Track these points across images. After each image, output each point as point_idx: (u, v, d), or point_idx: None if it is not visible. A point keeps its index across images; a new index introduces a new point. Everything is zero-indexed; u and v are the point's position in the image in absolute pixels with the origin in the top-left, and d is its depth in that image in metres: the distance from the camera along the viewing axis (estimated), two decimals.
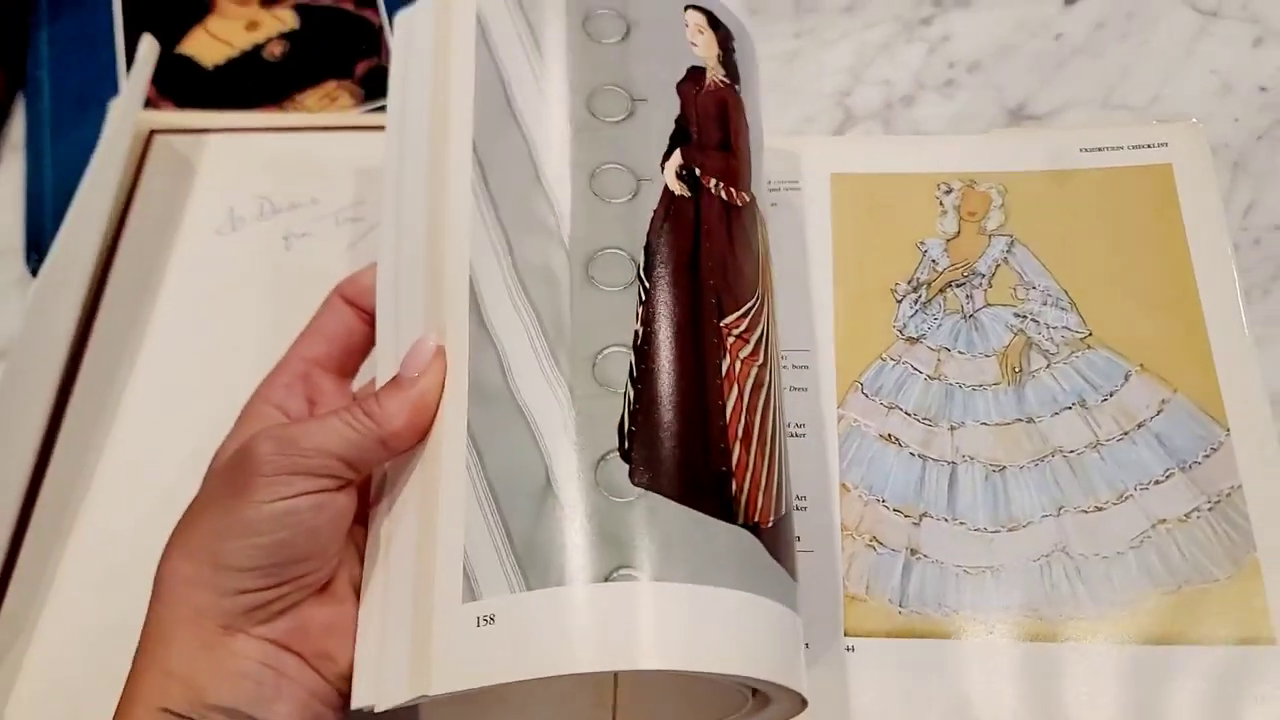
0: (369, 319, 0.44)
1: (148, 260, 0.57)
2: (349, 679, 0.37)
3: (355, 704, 0.37)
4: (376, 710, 0.36)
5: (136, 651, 0.36)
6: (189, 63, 0.65)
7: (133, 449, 0.51)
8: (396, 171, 0.44)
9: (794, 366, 0.50)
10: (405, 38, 0.45)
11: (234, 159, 0.59)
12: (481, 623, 0.34)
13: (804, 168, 0.56)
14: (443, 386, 0.39)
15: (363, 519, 0.40)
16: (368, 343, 0.44)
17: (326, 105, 0.62)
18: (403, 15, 0.46)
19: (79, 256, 0.54)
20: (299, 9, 0.66)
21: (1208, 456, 0.47)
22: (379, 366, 0.41)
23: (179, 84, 0.64)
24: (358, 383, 0.45)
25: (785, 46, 0.63)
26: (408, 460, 0.39)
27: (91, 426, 0.52)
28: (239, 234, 0.57)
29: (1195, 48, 0.60)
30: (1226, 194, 0.56)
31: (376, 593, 0.38)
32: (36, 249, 0.59)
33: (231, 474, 0.37)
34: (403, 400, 0.38)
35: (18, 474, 0.50)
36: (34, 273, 0.59)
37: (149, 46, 0.58)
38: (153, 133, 0.59)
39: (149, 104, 0.62)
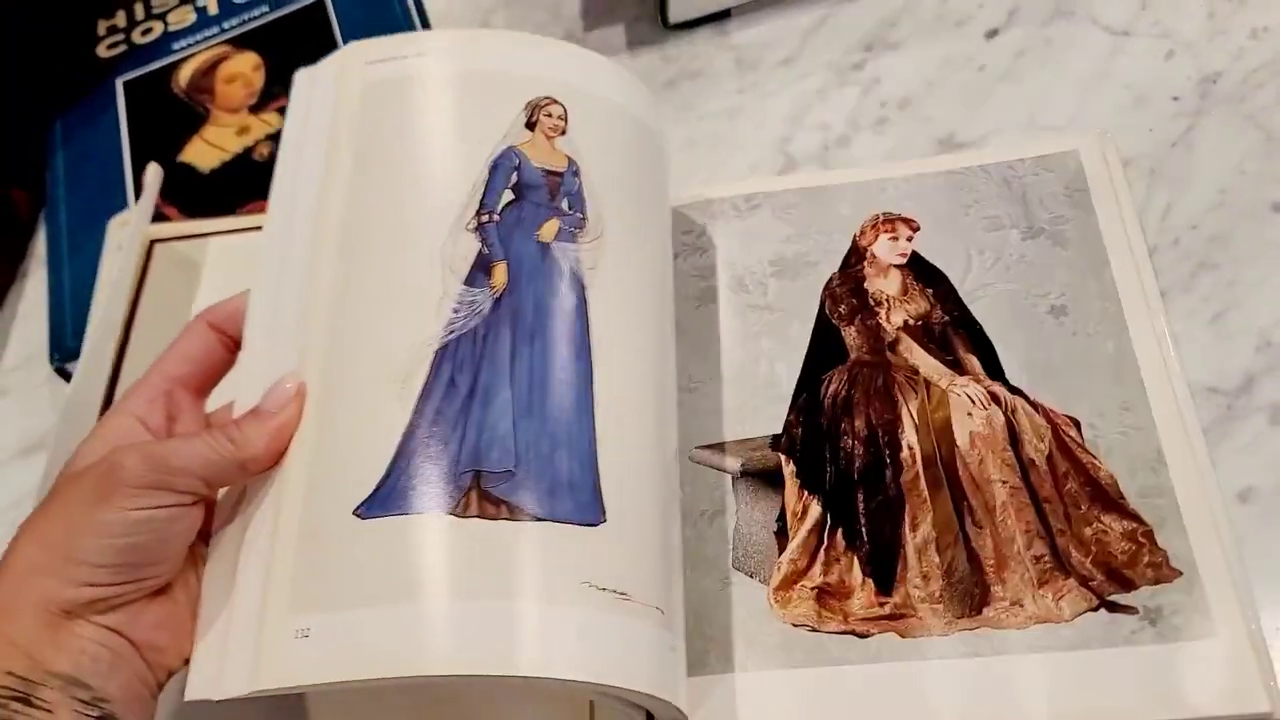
0: (231, 344, 0.48)
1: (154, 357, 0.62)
2: (170, 668, 0.42)
3: (190, 696, 0.42)
4: (214, 700, 0.41)
5: None
6: (189, 169, 0.71)
7: None
8: (286, 215, 0.50)
9: None
10: (306, 92, 0.53)
11: (230, 259, 0.64)
12: (299, 635, 0.40)
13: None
14: (299, 422, 0.44)
15: (204, 532, 0.45)
16: (226, 366, 0.49)
17: None
18: (303, 73, 0.54)
19: (99, 365, 0.59)
20: (282, 111, 0.72)
21: None
22: (242, 389, 0.46)
23: (180, 189, 0.70)
24: (213, 402, 0.49)
25: (728, 103, 0.68)
26: (262, 482, 0.44)
27: None
28: None
29: (1109, 67, 0.64)
30: (1145, 199, 0.59)
31: (219, 599, 0.43)
32: (58, 350, 0.65)
33: (96, 479, 0.41)
34: (262, 429, 0.43)
35: None
36: (57, 371, 0.65)
37: (154, 173, 0.63)
38: (153, 242, 0.64)
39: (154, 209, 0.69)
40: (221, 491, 0.45)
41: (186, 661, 0.43)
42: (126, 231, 0.62)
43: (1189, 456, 0.49)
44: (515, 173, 0.50)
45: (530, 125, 0.50)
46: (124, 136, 0.73)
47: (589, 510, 0.43)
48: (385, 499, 0.42)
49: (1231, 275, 0.56)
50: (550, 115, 0.51)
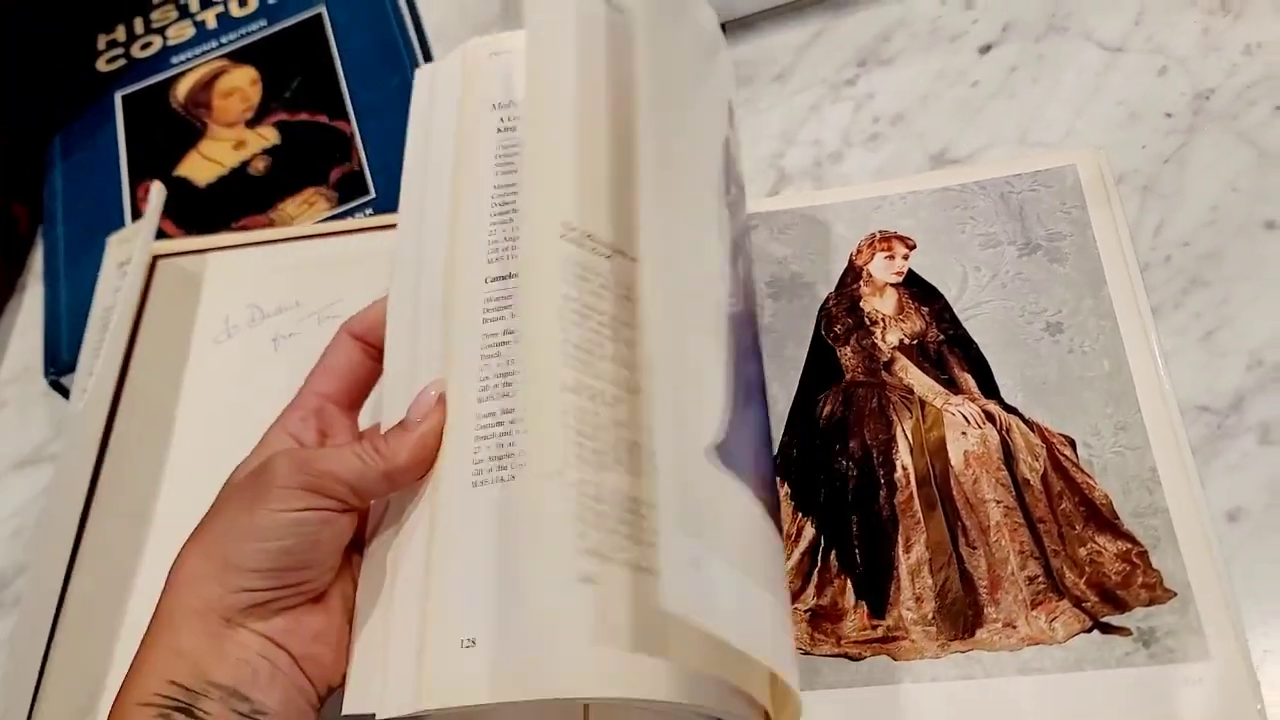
0: (375, 353, 0.48)
1: (156, 372, 0.61)
2: (330, 683, 0.42)
3: (349, 710, 0.42)
4: (379, 717, 0.41)
5: (145, 635, 0.41)
6: (185, 183, 0.71)
7: (155, 553, 0.56)
8: (417, 218, 0.49)
9: None
10: (429, 89, 0.52)
11: (227, 274, 0.65)
12: (465, 645, 0.40)
13: None
14: (442, 431, 0.44)
15: (359, 544, 0.45)
16: (373, 375, 0.49)
17: (305, 210, 0.68)
18: (424, 70, 0.52)
19: (106, 381, 0.59)
20: (279, 125, 0.72)
21: None
22: (388, 401, 0.46)
23: (176, 203, 0.70)
24: (365, 415, 0.50)
25: None
26: (413, 494, 0.44)
27: (114, 530, 0.56)
28: (234, 341, 0.62)
29: (1103, 82, 0.64)
30: (1138, 216, 0.59)
31: (377, 612, 0.43)
32: (53, 364, 0.65)
33: (250, 485, 0.42)
34: (405, 441, 0.44)
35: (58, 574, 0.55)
36: (52, 384, 0.65)
37: (158, 192, 0.64)
38: (156, 258, 0.65)
39: None
40: (373, 502, 0.46)
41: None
42: (130, 249, 0.62)
43: (1183, 476, 0.49)
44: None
45: None
46: (122, 151, 0.73)
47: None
48: None
49: (1223, 293, 0.56)
50: None
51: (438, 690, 0.40)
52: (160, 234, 0.69)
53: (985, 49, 0.67)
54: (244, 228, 0.68)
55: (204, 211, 0.70)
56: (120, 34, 0.78)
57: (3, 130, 0.73)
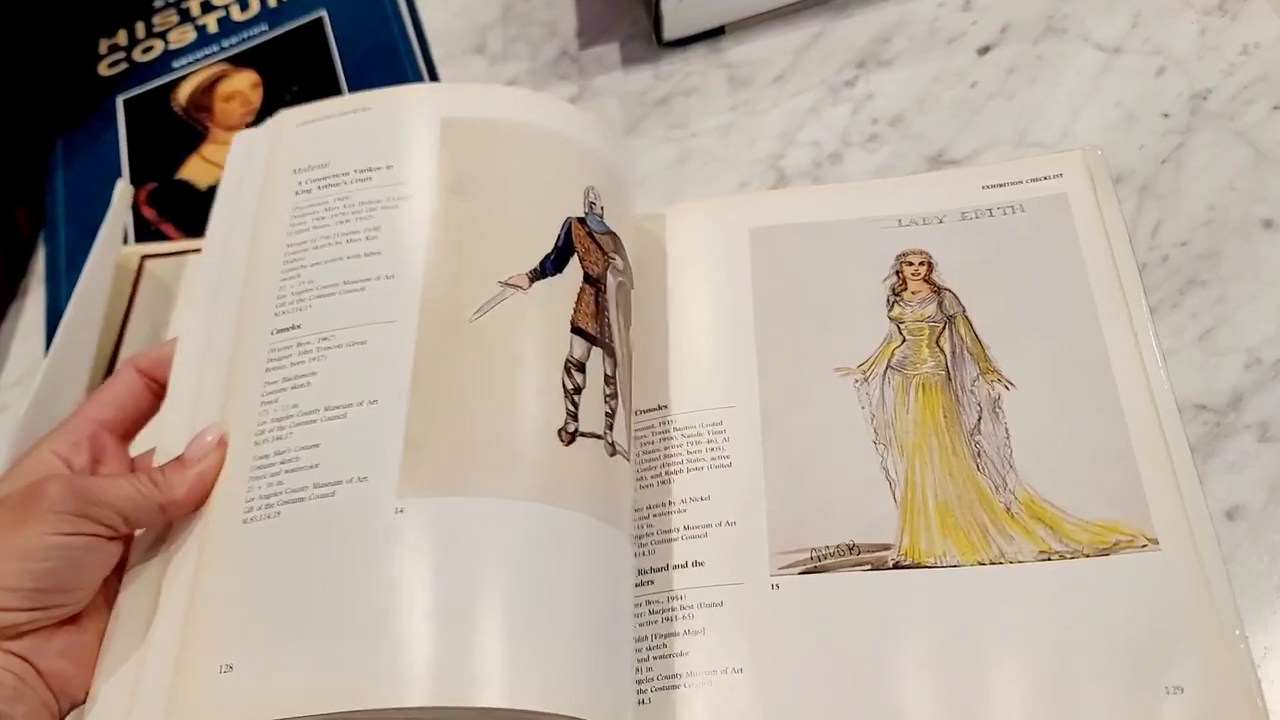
0: (158, 390, 0.50)
1: None
2: (74, 699, 0.43)
3: None
4: None
5: None
6: (186, 186, 0.71)
7: None
8: (217, 268, 0.52)
9: None
10: (245, 152, 0.56)
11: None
12: (222, 670, 0.41)
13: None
14: (219, 470, 0.46)
15: (118, 568, 0.46)
16: (151, 410, 0.50)
17: None
18: (242, 136, 0.57)
19: (67, 383, 0.59)
20: None
21: None
22: (165, 436, 0.48)
23: (177, 206, 0.70)
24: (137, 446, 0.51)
25: (721, 120, 0.68)
26: (184, 526, 0.46)
27: None
28: None
29: (1101, 83, 0.64)
30: (1135, 216, 0.59)
31: (133, 636, 0.44)
32: None
33: (18, 505, 0.43)
34: (184, 475, 0.45)
35: None
36: None
37: (122, 191, 0.64)
38: (144, 259, 0.65)
39: (152, 226, 0.69)
40: (140, 530, 0.47)
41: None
42: (93, 250, 0.63)
43: (1170, 479, 0.49)
44: None
45: None
46: (124, 154, 0.73)
47: None
48: None
49: (1220, 292, 0.56)
50: None
51: (188, 713, 0.41)
52: (162, 236, 0.69)
53: (984, 50, 0.67)
54: None
55: (205, 214, 0.69)
56: (122, 38, 0.79)
57: (5, 134, 0.74)
